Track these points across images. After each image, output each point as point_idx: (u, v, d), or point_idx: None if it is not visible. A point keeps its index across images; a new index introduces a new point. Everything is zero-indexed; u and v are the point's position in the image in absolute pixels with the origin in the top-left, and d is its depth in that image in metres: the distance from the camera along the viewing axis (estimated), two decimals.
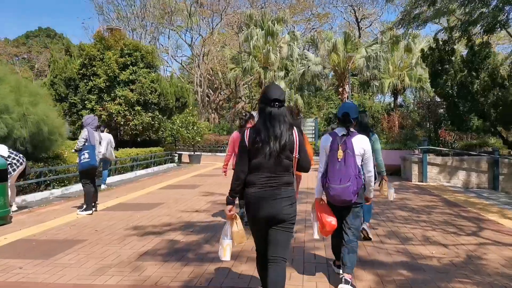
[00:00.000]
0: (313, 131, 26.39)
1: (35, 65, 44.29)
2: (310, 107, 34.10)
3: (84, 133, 7.31)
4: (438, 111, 15.16)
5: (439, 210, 7.53)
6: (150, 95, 16.66)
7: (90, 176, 7.47)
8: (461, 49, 15.01)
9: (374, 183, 3.98)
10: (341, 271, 3.84)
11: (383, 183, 5.42)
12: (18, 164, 7.44)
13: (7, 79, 9.30)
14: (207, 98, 38.90)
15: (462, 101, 11.86)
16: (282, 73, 29.40)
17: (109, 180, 11.85)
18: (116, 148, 15.12)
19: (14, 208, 7.58)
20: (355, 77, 31.16)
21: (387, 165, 13.17)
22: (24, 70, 40.52)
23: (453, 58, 12.22)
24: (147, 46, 19.00)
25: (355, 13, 40.32)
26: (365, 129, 4.86)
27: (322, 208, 3.79)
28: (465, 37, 12.23)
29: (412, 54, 26.92)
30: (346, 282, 3.62)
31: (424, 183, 11.48)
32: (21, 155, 7.65)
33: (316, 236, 3.86)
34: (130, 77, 16.49)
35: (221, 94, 40.83)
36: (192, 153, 20.59)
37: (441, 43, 12.43)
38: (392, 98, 30.30)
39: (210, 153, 27.66)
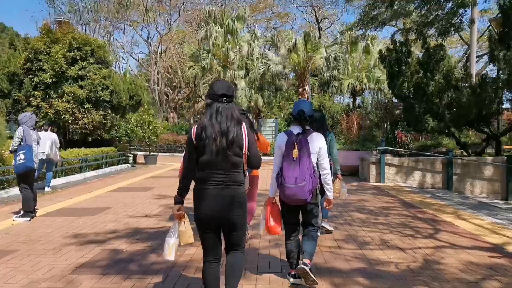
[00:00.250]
0: (274, 131, 26.29)
1: None
2: (270, 107, 34.01)
3: (19, 132, 6.71)
4: (395, 112, 15.37)
5: (396, 211, 7.45)
6: (101, 92, 15.83)
7: (29, 179, 6.87)
8: (417, 52, 15.29)
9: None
10: (300, 263, 3.72)
11: (336, 181, 5.46)
12: None
13: None
14: (165, 97, 37.96)
15: (418, 102, 12.01)
16: (242, 72, 29.05)
17: (54, 182, 11.09)
18: (64, 148, 14.29)
19: None
20: (315, 78, 31.36)
21: (345, 165, 13.07)
22: None
23: (409, 60, 12.35)
24: (98, 40, 18.10)
25: (315, 14, 40.70)
26: (321, 128, 4.72)
27: (273, 210, 3.80)
28: (421, 39, 12.43)
29: (371, 55, 27.39)
30: (305, 265, 3.63)
31: (381, 184, 11.50)
32: None
33: (262, 232, 3.93)
34: (79, 72, 15.58)
35: (180, 93, 40.01)
36: (148, 153, 19.86)
37: (398, 44, 12.54)
38: (351, 99, 30.74)
39: (167, 154, 26.92)
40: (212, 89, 2.93)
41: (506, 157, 11.36)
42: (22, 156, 6.65)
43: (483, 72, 15.28)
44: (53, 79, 15.38)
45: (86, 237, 5.60)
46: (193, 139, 2.87)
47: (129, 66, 40.40)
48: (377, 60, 22.87)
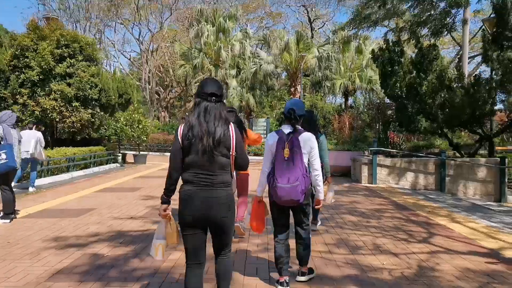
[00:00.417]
0: (265, 131, 26.11)
1: None
2: (262, 107, 33.82)
3: None
4: (387, 112, 15.26)
5: (389, 214, 7.28)
6: (89, 90, 15.47)
7: (10, 179, 6.65)
8: (410, 52, 15.20)
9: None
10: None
11: (325, 184, 5.33)
12: None
13: None
14: (156, 96, 37.59)
15: (410, 103, 11.89)
16: (234, 71, 28.85)
17: (39, 182, 10.77)
18: (51, 147, 13.93)
19: None
20: (307, 77, 31.22)
21: (337, 166, 12.82)
22: None
23: (402, 60, 12.23)
24: (87, 38, 17.72)
25: (308, 13, 40.60)
26: (313, 128, 4.60)
27: (257, 211, 3.81)
28: (413, 39, 12.31)
29: (363, 55, 27.30)
30: (302, 274, 3.85)
31: (373, 185, 11.34)
32: None
33: (246, 225, 4.08)
34: (67, 70, 15.20)
35: (172, 92, 39.66)
36: (137, 152, 19.54)
37: (391, 44, 12.40)
38: (343, 99, 30.63)
39: (158, 153, 26.58)
40: (202, 87, 2.86)
41: (499, 159, 11.29)
42: (3, 156, 6.39)
43: (476, 73, 15.24)
44: (40, 77, 14.99)
45: (67, 240, 5.35)
46: (179, 138, 2.79)
47: (121, 64, 40.11)
48: (369, 60, 22.76)
